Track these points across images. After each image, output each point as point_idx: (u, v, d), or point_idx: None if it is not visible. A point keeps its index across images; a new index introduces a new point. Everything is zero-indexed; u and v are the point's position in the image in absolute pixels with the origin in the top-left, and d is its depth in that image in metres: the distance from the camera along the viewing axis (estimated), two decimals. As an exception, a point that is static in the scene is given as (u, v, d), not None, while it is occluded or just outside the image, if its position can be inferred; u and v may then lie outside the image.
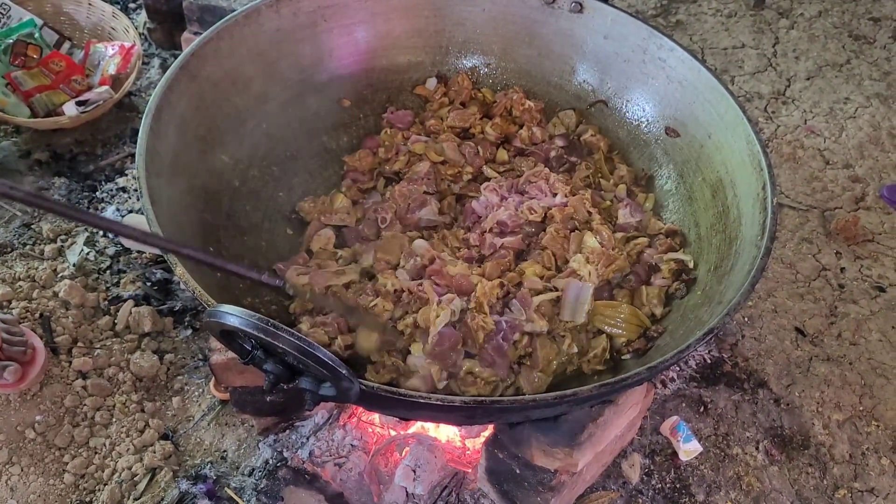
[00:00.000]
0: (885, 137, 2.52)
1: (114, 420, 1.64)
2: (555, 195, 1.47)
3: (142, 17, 2.61)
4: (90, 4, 2.43)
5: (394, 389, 0.98)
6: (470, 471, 1.55)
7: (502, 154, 1.61)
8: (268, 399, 1.47)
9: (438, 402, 0.98)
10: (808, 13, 3.02)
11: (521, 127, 1.63)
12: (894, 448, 1.71)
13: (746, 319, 1.94)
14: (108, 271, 1.90)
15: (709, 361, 1.83)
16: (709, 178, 1.43)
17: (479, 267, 1.36)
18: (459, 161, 1.56)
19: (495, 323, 1.25)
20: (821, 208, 2.26)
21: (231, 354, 1.46)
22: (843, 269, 2.09)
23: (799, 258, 2.11)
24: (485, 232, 1.42)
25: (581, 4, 1.56)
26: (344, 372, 0.91)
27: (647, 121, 1.57)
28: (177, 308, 1.84)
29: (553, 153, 1.59)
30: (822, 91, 2.67)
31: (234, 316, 0.89)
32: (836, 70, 2.77)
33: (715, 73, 1.43)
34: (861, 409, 1.78)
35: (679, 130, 1.51)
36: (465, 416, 1.10)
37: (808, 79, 2.72)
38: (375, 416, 1.62)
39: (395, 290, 1.29)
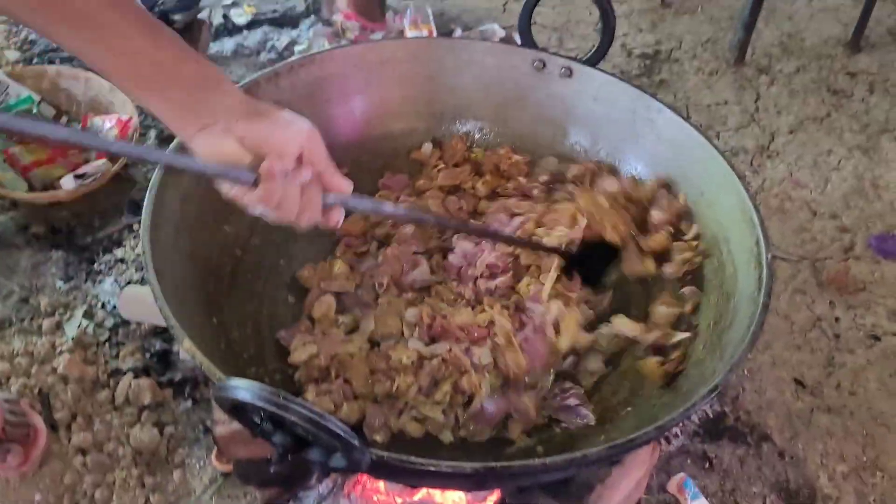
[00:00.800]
0: (868, 188, 2.57)
1: (114, 497, 1.62)
2: (512, 217, 1.51)
3: (137, 90, 2.65)
4: (87, 79, 2.47)
5: (404, 458, 0.98)
6: (477, 536, 1.53)
7: (484, 205, 1.63)
8: (272, 470, 1.46)
9: (449, 470, 0.98)
10: (787, 69, 3.11)
11: (508, 180, 1.66)
12: (901, 498, 1.71)
13: (746, 373, 1.95)
14: (106, 344, 1.90)
15: (711, 416, 1.83)
16: (702, 235, 1.46)
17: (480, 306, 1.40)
18: (443, 216, 1.59)
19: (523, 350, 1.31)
20: (811, 259, 2.30)
21: (236, 426, 1.45)
22: (837, 319, 2.11)
23: (793, 309, 2.13)
24: (476, 279, 1.45)
25: (570, 69, 1.61)
26: (356, 443, 0.91)
27: (640, 180, 1.59)
28: (177, 379, 1.83)
29: (535, 191, 1.62)
30: (804, 144, 2.74)
31: (244, 390, 0.89)
32: (818, 124, 2.84)
33: (703, 133, 1.47)
34: (864, 459, 1.78)
35: (670, 189, 1.54)
36: (475, 482, 1.10)
37: (790, 132, 2.79)
38: (381, 484, 1.60)
39: (413, 362, 1.29)
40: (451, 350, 1.31)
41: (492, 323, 1.37)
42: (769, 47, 3.24)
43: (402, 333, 1.38)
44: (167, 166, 1.25)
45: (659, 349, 1.36)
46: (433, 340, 1.36)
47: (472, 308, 1.41)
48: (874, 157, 2.70)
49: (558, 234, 1.48)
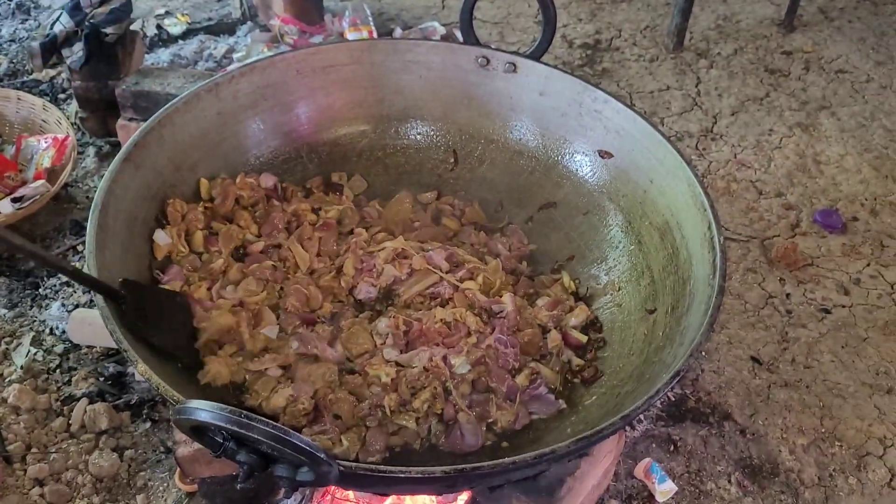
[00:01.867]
0: (810, 164, 2.63)
1: (76, 526, 1.57)
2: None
3: (73, 106, 2.58)
4: (19, 99, 2.40)
5: (374, 467, 0.97)
6: (450, 538, 1.52)
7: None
8: (239, 487, 1.43)
9: (419, 476, 0.97)
10: (725, 52, 3.16)
11: None
12: (859, 467, 1.75)
13: (704, 354, 1.98)
14: (57, 370, 1.84)
15: (673, 399, 1.86)
16: (655, 221, 1.47)
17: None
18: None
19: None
20: (760, 238, 2.34)
21: (198, 445, 1.42)
22: (788, 295, 2.16)
23: (746, 288, 2.17)
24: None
25: (514, 64, 1.61)
26: (322, 456, 0.89)
27: (590, 171, 1.60)
28: (133, 401, 1.78)
29: None
30: (746, 125, 2.79)
31: (204, 411, 0.87)
32: (758, 104, 2.89)
33: (650, 121, 1.48)
34: (823, 430, 1.82)
35: (620, 177, 1.55)
36: (446, 485, 1.09)
37: (732, 114, 2.84)
38: (350, 493, 1.58)
39: (393, 379, 1.28)
40: (431, 359, 1.30)
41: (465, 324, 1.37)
42: (706, 31, 3.29)
43: (375, 346, 1.36)
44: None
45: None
46: (409, 347, 1.35)
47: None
48: (814, 133, 2.76)
49: None
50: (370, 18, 2.89)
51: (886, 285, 2.21)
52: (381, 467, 0.97)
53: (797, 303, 2.14)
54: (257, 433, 0.86)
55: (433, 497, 1.56)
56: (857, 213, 2.44)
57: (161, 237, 1.38)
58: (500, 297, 1.46)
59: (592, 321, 1.48)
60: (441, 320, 1.37)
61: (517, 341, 1.38)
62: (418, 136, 1.72)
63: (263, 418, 0.87)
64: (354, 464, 0.96)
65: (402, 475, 0.97)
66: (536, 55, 1.60)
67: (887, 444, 1.80)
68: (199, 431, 0.95)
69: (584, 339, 1.44)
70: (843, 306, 2.14)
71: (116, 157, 1.30)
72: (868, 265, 2.27)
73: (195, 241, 1.44)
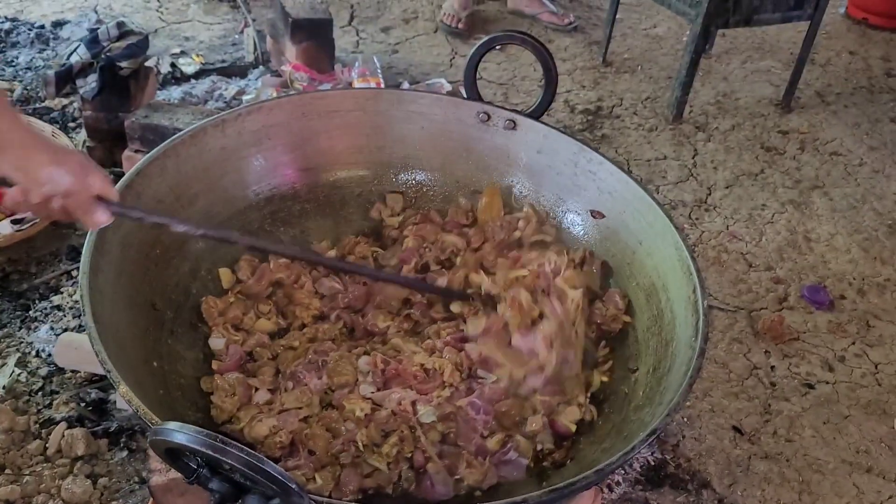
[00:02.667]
0: (801, 241, 2.67)
1: (42, 552, 1.55)
2: None
3: (81, 135, 2.63)
4: (29, 124, 2.43)
5: (343, 501, 0.97)
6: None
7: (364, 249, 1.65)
8: (209, 520, 1.42)
9: (390, 515, 0.97)
10: (723, 127, 3.23)
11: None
12: (836, 544, 1.74)
13: (686, 420, 1.98)
14: (39, 392, 1.84)
15: (652, 463, 1.85)
16: (642, 282, 1.50)
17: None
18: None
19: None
20: (747, 309, 2.36)
21: (172, 475, 1.42)
22: (773, 368, 2.17)
23: (731, 358, 2.19)
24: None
25: (514, 122, 1.66)
26: (294, 487, 0.90)
27: (582, 229, 1.63)
28: (112, 429, 1.78)
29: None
30: (740, 199, 2.84)
31: (181, 433, 0.88)
32: (752, 179, 2.95)
33: (642, 185, 1.52)
34: (801, 505, 1.82)
35: (611, 238, 1.58)
36: (415, 528, 1.09)
37: (727, 187, 2.89)
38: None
39: (367, 415, 1.28)
40: (401, 403, 1.30)
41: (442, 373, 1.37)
42: (706, 106, 3.37)
43: (357, 380, 1.37)
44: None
45: None
46: (386, 386, 1.36)
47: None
48: (806, 211, 2.81)
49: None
50: (379, 71, 2.97)
51: (871, 365, 2.22)
52: (351, 501, 0.97)
53: (781, 376, 2.15)
54: (232, 458, 0.87)
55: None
56: (845, 292, 2.47)
57: (216, 343, 1.42)
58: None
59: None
60: (420, 365, 1.37)
61: (492, 410, 1.33)
62: (416, 185, 1.75)
63: (238, 444, 0.88)
64: (325, 499, 0.96)
65: (373, 512, 0.98)
66: (536, 114, 1.65)
67: (864, 524, 1.79)
68: (173, 455, 0.95)
69: (573, 428, 1.36)
70: (827, 383, 2.15)
71: (120, 182, 1.33)
72: (853, 343, 2.29)
73: (257, 326, 1.48)
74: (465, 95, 1.73)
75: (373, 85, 2.82)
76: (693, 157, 3.04)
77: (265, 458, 0.89)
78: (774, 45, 3.91)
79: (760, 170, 3.01)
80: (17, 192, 1.15)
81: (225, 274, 1.53)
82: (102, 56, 2.51)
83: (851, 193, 2.94)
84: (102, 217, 1.19)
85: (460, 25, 3.58)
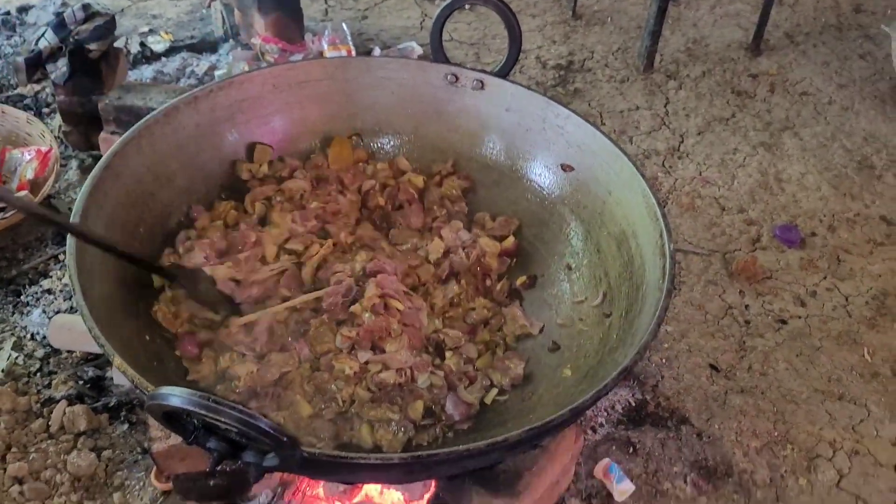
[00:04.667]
0: (772, 182, 2.73)
1: (53, 523, 1.62)
2: None
3: (56, 120, 2.65)
4: (3, 112, 2.46)
5: (336, 454, 1.04)
6: (417, 534, 1.58)
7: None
8: (211, 483, 1.48)
9: (378, 462, 1.04)
10: (693, 74, 3.27)
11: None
12: (809, 468, 1.83)
13: (664, 361, 2.06)
14: (38, 374, 1.89)
15: (633, 404, 1.93)
16: (613, 231, 1.55)
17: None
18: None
19: None
20: (722, 252, 2.43)
21: (172, 441, 1.48)
22: (747, 307, 2.24)
23: (706, 299, 2.26)
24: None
25: (482, 82, 1.69)
26: (286, 440, 0.96)
27: (553, 182, 1.68)
28: (112, 404, 1.84)
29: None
30: (712, 144, 2.89)
31: (176, 396, 0.93)
32: (724, 124, 3.00)
33: (608, 136, 1.57)
34: (776, 434, 1.90)
35: (581, 189, 1.63)
36: (404, 472, 1.16)
37: (698, 134, 2.94)
38: (320, 490, 1.64)
39: (356, 372, 1.35)
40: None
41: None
42: (676, 53, 3.41)
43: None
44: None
45: None
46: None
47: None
48: (777, 152, 2.87)
49: None
50: (349, 38, 2.98)
51: (841, 297, 2.30)
52: (342, 454, 1.04)
53: (755, 314, 2.23)
54: (225, 416, 0.92)
55: (402, 495, 1.63)
56: (816, 229, 2.54)
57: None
58: None
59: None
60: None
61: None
62: (390, 150, 1.80)
63: (231, 402, 0.93)
64: (317, 450, 1.03)
65: (362, 461, 1.04)
66: (503, 73, 1.69)
67: (836, 448, 1.88)
68: (170, 418, 1.01)
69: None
70: (799, 317, 2.23)
71: (97, 165, 1.37)
72: (824, 278, 2.37)
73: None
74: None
75: (343, 53, 2.84)
76: (665, 106, 3.08)
77: (257, 414, 0.94)
78: (743, -12, 3.93)
79: (731, 114, 3.06)
80: None
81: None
82: (70, 39, 2.51)
83: (821, 132, 2.99)
84: None
85: None
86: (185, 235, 1.54)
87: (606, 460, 1.76)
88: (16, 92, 2.87)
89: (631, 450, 1.83)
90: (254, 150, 1.67)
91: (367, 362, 1.38)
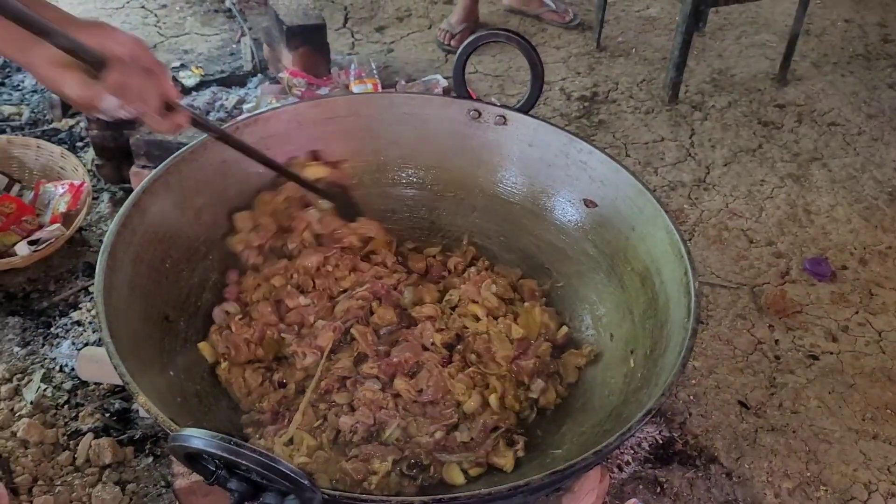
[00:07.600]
0: (801, 214, 2.70)
1: (77, 558, 1.63)
2: None
3: (89, 154, 2.70)
4: (38, 147, 2.51)
5: (356, 496, 1.03)
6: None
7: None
8: (232, 519, 1.48)
9: (399, 504, 1.03)
10: (719, 104, 3.26)
11: None
12: (843, 509, 1.79)
13: (692, 397, 2.02)
14: (66, 406, 1.91)
15: (660, 442, 1.90)
16: (637, 267, 1.54)
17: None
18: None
19: None
20: (750, 285, 2.40)
21: (195, 478, 1.48)
22: (777, 342, 2.21)
23: (735, 334, 2.23)
24: None
25: (504, 118, 1.70)
26: (306, 483, 0.96)
27: (576, 218, 1.68)
28: (137, 437, 1.85)
29: None
30: (739, 175, 2.87)
31: (197, 438, 0.94)
32: (750, 155, 2.98)
33: (632, 172, 1.56)
34: (808, 475, 1.86)
35: (605, 224, 1.62)
36: (425, 515, 1.14)
37: (725, 165, 2.92)
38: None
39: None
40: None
41: None
42: (701, 84, 3.40)
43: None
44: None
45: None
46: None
47: None
48: (805, 184, 2.84)
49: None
50: (375, 71, 3.01)
51: (874, 333, 2.26)
52: (363, 496, 1.03)
53: (785, 349, 2.19)
54: (246, 459, 0.92)
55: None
56: (847, 262, 2.50)
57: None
58: None
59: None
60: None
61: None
62: (413, 184, 1.80)
63: (252, 446, 0.93)
64: (338, 492, 1.02)
65: (382, 503, 1.03)
66: (525, 108, 1.69)
67: (871, 489, 1.83)
68: (192, 459, 1.01)
69: None
70: (831, 353, 2.19)
71: (125, 203, 1.39)
72: (856, 313, 2.32)
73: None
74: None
75: (369, 86, 2.86)
76: (690, 137, 3.07)
77: (278, 458, 0.94)
78: (769, 18, 3.92)
79: (758, 145, 3.04)
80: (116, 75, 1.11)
81: (205, 348, 1.52)
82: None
83: (851, 163, 2.96)
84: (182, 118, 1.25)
85: (452, 42, 3.57)
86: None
87: (633, 500, 1.72)
88: (51, 126, 2.94)
89: (658, 489, 1.80)
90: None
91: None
